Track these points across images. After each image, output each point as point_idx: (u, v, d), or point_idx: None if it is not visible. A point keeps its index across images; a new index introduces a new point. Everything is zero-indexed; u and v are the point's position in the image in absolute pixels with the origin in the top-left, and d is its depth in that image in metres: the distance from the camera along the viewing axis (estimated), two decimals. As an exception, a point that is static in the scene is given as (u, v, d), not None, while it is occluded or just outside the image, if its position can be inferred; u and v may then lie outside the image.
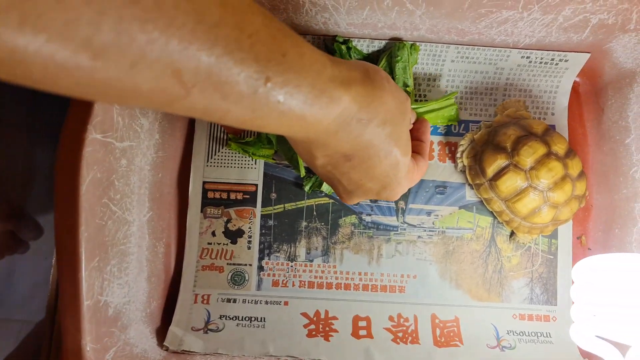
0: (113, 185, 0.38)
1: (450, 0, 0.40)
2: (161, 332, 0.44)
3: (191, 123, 0.49)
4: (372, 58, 0.48)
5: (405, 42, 0.46)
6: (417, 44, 0.46)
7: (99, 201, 0.36)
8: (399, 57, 0.45)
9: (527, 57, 0.47)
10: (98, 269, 0.35)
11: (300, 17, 0.44)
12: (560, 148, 0.43)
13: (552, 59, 0.47)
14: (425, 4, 0.40)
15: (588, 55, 0.46)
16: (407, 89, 0.46)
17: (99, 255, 0.35)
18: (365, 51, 0.48)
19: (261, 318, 0.46)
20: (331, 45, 0.47)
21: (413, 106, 0.45)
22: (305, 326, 0.45)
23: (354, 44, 0.47)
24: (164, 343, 0.42)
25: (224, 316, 0.45)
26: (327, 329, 0.45)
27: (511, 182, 0.42)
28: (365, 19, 0.43)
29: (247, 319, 0.46)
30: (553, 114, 0.49)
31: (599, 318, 0.35)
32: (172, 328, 0.44)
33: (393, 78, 0.46)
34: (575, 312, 0.38)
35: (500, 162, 0.43)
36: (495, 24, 0.42)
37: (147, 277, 0.43)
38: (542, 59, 0.47)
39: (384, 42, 0.47)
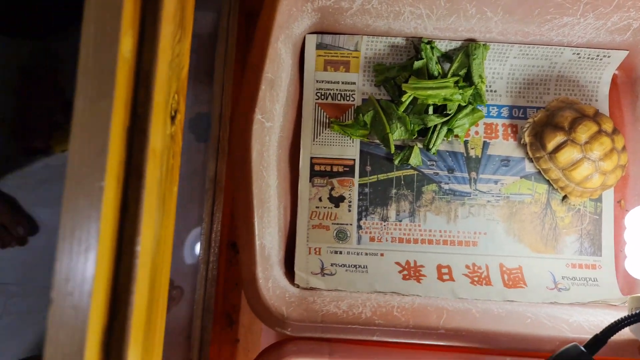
0: (263, 157, 0.48)
1: (523, 9, 0.50)
2: (287, 276, 0.54)
3: (299, 108, 0.59)
4: (449, 55, 0.59)
5: (479, 43, 0.56)
6: (488, 44, 0.57)
7: (259, 167, 0.47)
8: (475, 55, 0.56)
9: (577, 54, 0.58)
10: (261, 218, 0.46)
11: (397, 23, 0.55)
12: (608, 127, 0.53)
13: (597, 55, 0.58)
14: (502, 12, 0.51)
15: (627, 52, 0.57)
16: (483, 80, 0.56)
17: (261, 208, 0.46)
18: (443, 50, 0.59)
19: (364, 266, 0.57)
20: (418, 45, 0.57)
21: (417, 84, 0.55)
22: (399, 272, 0.56)
23: (435, 44, 0.58)
24: (295, 282, 0.53)
25: (334, 264, 0.56)
26: (417, 274, 0.56)
27: (569, 154, 0.53)
28: (450, 24, 0.54)
29: (352, 266, 0.56)
30: (597, 101, 0.60)
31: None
32: (297, 272, 0.55)
33: (470, 72, 0.56)
34: (629, 249, 0.49)
35: (559, 138, 0.54)
36: (556, 27, 0.53)
37: (277, 231, 0.53)
38: (589, 55, 0.58)
39: (459, 42, 0.58)
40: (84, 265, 0.23)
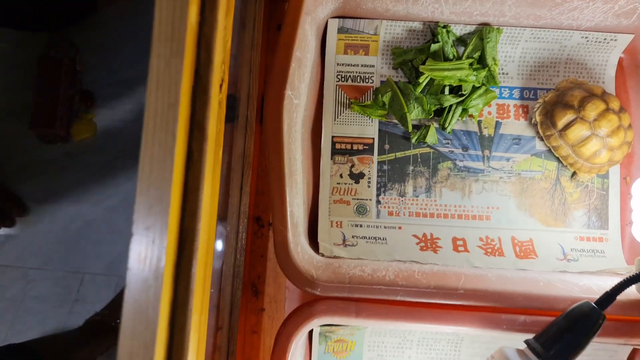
0: (292, 131, 0.52)
1: (535, -7, 0.53)
2: (312, 246, 0.57)
3: (320, 91, 0.63)
4: (464, 39, 0.62)
5: (492, 27, 0.60)
6: (501, 28, 0.60)
7: (288, 141, 0.50)
8: (489, 39, 0.59)
9: (586, 37, 0.61)
10: (290, 186, 0.49)
11: (415, 8, 0.58)
12: (615, 105, 0.56)
13: (605, 39, 0.61)
14: (516, -4, 0.54)
15: (632, 36, 0.60)
16: (496, 62, 0.59)
17: (290, 178, 0.49)
18: (458, 34, 0.62)
19: (383, 238, 0.60)
20: (434, 29, 0.61)
21: (434, 66, 0.58)
22: (417, 244, 0.59)
23: (451, 28, 0.61)
24: (320, 251, 0.56)
25: (355, 236, 0.59)
26: (433, 245, 0.59)
27: (578, 131, 0.56)
28: (466, 9, 0.57)
29: (372, 238, 0.60)
30: (604, 82, 0.63)
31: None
32: (321, 243, 0.58)
33: (484, 55, 0.60)
34: (636, 215, 0.52)
35: (569, 116, 0.57)
36: (567, 10, 0.56)
37: (302, 203, 0.56)
38: (597, 38, 0.61)
39: (474, 26, 0.61)
40: (160, 205, 0.26)
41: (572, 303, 0.44)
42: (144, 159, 0.27)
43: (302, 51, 0.52)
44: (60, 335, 0.94)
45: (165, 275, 0.26)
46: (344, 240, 0.59)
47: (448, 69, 0.58)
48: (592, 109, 0.56)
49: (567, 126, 0.57)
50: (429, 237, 0.60)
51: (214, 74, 0.31)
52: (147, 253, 0.26)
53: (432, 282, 0.47)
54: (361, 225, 0.60)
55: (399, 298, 0.46)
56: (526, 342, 0.43)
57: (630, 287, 0.43)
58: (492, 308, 0.47)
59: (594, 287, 0.48)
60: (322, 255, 0.56)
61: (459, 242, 0.60)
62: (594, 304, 0.43)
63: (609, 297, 0.43)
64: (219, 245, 0.54)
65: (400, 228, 0.60)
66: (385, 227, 0.60)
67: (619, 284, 0.43)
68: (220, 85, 0.37)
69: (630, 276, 0.42)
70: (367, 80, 0.63)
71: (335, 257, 0.56)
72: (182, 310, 0.27)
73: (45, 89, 1.07)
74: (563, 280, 0.49)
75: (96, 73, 1.17)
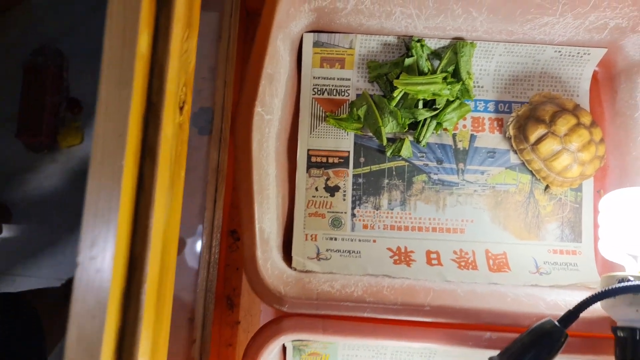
0: (263, 147, 0.52)
1: (506, 9, 0.54)
2: (285, 260, 0.58)
3: (297, 103, 0.63)
4: (438, 53, 0.62)
5: (466, 41, 0.60)
6: (475, 42, 0.60)
7: (258, 157, 0.50)
8: (463, 53, 0.59)
9: (559, 52, 0.61)
10: (260, 203, 0.50)
11: (388, 22, 0.58)
12: (586, 120, 0.57)
13: (578, 53, 0.61)
14: (487, 11, 0.55)
15: (605, 50, 0.60)
16: (470, 76, 0.60)
17: (260, 194, 0.50)
18: (432, 47, 0.62)
19: (357, 251, 0.60)
20: (408, 42, 0.61)
21: (407, 80, 0.58)
22: (390, 257, 0.60)
23: (425, 42, 0.61)
24: (293, 265, 0.56)
25: (329, 249, 0.60)
26: (407, 259, 0.60)
27: (549, 146, 0.57)
28: (439, 24, 0.57)
29: (346, 251, 0.60)
30: (578, 96, 0.63)
31: (617, 236, 0.49)
32: (295, 256, 0.58)
33: (458, 69, 0.60)
34: (601, 232, 0.53)
35: (541, 130, 0.57)
36: (538, 26, 0.56)
37: (276, 217, 0.57)
38: (570, 53, 0.61)
39: (448, 40, 0.61)
40: (106, 234, 0.27)
41: (538, 319, 0.45)
42: (91, 188, 0.27)
43: (274, 67, 0.52)
44: (55, 288, 0.95)
45: (111, 306, 0.26)
46: (318, 253, 0.59)
47: (422, 83, 0.59)
48: (563, 124, 0.56)
49: (539, 140, 0.57)
50: (403, 250, 0.60)
51: (168, 100, 0.31)
52: (93, 283, 0.26)
53: (399, 298, 0.48)
54: (336, 239, 0.61)
55: (365, 315, 0.46)
56: (490, 359, 0.44)
57: (595, 304, 0.44)
58: (458, 325, 0.48)
59: (561, 303, 0.49)
60: (295, 269, 0.56)
61: (433, 256, 0.60)
62: (556, 322, 0.43)
63: (572, 315, 0.43)
64: (192, 259, 0.55)
65: (374, 241, 0.61)
66: (359, 240, 0.61)
67: (581, 302, 0.43)
68: (181, 108, 0.37)
69: (592, 295, 0.43)
70: (343, 94, 0.63)
71: (307, 271, 0.57)
72: (130, 339, 0.27)
73: (31, 97, 1.07)
74: (531, 296, 0.50)
75: (83, 80, 1.17)
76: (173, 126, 0.34)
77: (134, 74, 0.27)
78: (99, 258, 0.26)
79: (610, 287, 0.43)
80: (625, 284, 0.43)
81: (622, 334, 0.44)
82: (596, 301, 0.43)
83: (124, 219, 0.28)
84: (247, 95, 0.48)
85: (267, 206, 0.52)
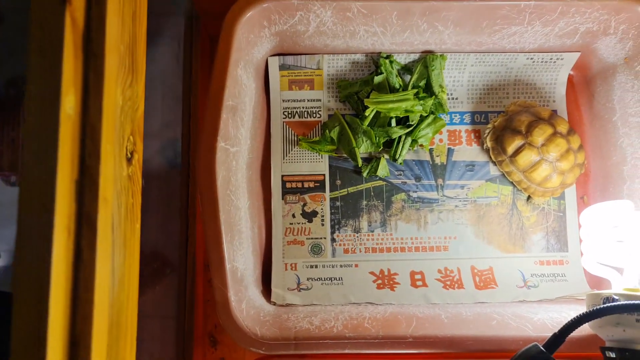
0: (231, 181, 0.50)
1: (471, 22, 0.52)
2: (265, 294, 0.56)
3: (268, 129, 0.61)
4: (409, 67, 0.60)
5: (436, 54, 0.58)
6: (445, 54, 0.59)
7: (225, 192, 0.48)
8: (433, 67, 0.58)
9: (531, 59, 0.60)
10: (230, 242, 0.48)
11: (354, 41, 0.56)
12: (563, 128, 0.55)
13: (551, 58, 0.60)
14: (453, 25, 0.53)
15: (579, 54, 0.59)
16: (443, 89, 0.58)
17: (230, 233, 0.48)
18: (402, 62, 0.60)
19: (339, 278, 0.58)
20: (377, 59, 0.59)
21: (378, 99, 0.56)
22: (374, 281, 0.58)
23: (394, 57, 0.59)
24: (272, 299, 0.55)
25: (310, 278, 0.58)
26: (391, 282, 0.58)
27: (527, 157, 0.55)
28: (405, 39, 0.56)
29: (328, 279, 0.58)
30: (554, 101, 0.62)
31: (601, 250, 0.48)
32: (274, 289, 0.56)
33: (430, 83, 0.58)
34: (584, 247, 0.51)
35: (518, 142, 0.56)
36: (506, 36, 0.55)
37: (252, 251, 0.55)
38: (542, 59, 0.60)
39: (417, 54, 0.59)
40: (37, 323, 0.25)
41: (524, 343, 0.43)
42: (19, 271, 0.25)
43: (236, 98, 0.50)
44: None
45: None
46: (299, 283, 0.58)
47: (393, 101, 0.57)
48: (539, 134, 0.54)
49: (517, 152, 0.56)
50: (386, 273, 0.59)
51: (106, 160, 0.30)
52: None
53: (381, 330, 0.46)
54: (316, 266, 0.59)
55: (347, 351, 0.45)
56: (477, 391, 0.42)
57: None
58: (443, 355, 0.46)
59: (548, 322, 0.47)
60: (274, 304, 0.55)
61: (417, 277, 0.58)
62: (542, 347, 0.42)
63: (557, 339, 0.41)
64: (167, 300, 0.53)
65: (356, 265, 0.59)
66: (341, 266, 0.59)
67: (566, 325, 0.41)
68: (129, 159, 0.35)
69: (576, 317, 0.41)
70: (314, 115, 0.62)
71: (287, 304, 0.55)
72: None
73: (4, 131, 1.05)
74: (518, 317, 0.48)
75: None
76: (119, 182, 0.32)
77: (57, 142, 0.26)
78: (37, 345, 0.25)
79: (595, 308, 0.41)
80: (610, 304, 0.41)
81: (610, 355, 0.43)
82: (581, 324, 0.41)
83: (58, 298, 0.26)
84: (208, 130, 0.46)
85: (240, 242, 0.50)
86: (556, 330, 0.42)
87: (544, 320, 0.48)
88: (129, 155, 0.35)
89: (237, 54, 0.49)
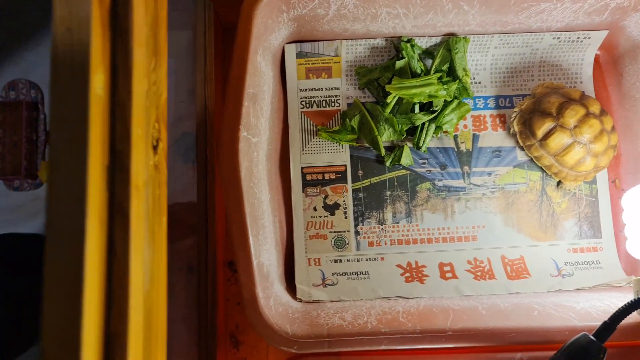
0: (253, 173, 0.48)
1: (498, 0, 0.50)
2: (289, 290, 0.54)
3: (285, 120, 0.59)
4: (430, 51, 0.58)
5: (459, 37, 0.56)
6: (468, 36, 0.57)
7: (249, 185, 0.46)
8: (457, 49, 0.56)
9: (558, 38, 0.57)
10: (256, 236, 0.45)
11: (375, 25, 0.54)
12: (595, 108, 0.53)
13: (578, 38, 0.58)
14: (479, 4, 0.51)
15: (607, 32, 0.57)
16: (467, 73, 0.56)
17: (255, 227, 0.46)
18: (424, 46, 0.58)
19: (365, 272, 0.56)
20: (397, 44, 0.57)
21: (400, 84, 0.54)
22: (401, 275, 0.56)
23: (415, 41, 0.57)
24: (297, 296, 0.52)
25: (335, 273, 0.56)
26: (419, 275, 0.56)
27: (559, 140, 0.53)
28: (428, 21, 0.54)
29: (354, 273, 0.56)
30: (581, 82, 0.60)
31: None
32: (299, 285, 0.54)
33: (453, 66, 0.56)
34: (628, 230, 0.49)
35: (548, 124, 0.53)
36: (534, 14, 0.53)
37: (275, 246, 0.53)
38: (569, 38, 0.57)
39: (439, 37, 0.57)
40: (71, 317, 0.22)
41: (571, 334, 0.41)
42: (50, 262, 0.23)
43: (257, 86, 0.48)
44: None
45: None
46: (324, 279, 0.55)
47: (416, 86, 0.55)
48: (572, 115, 0.52)
49: (547, 135, 0.54)
50: (413, 265, 0.56)
51: (136, 145, 0.27)
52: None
53: (418, 324, 0.44)
54: (341, 260, 0.56)
55: (383, 347, 0.42)
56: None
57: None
58: (485, 348, 0.44)
59: (592, 310, 0.45)
60: (300, 300, 0.52)
61: (446, 268, 0.56)
62: (592, 337, 0.39)
63: (608, 327, 0.39)
64: (188, 300, 0.51)
65: (382, 259, 0.57)
66: (366, 260, 0.57)
67: (617, 313, 0.39)
68: (155, 147, 0.33)
69: (628, 303, 0.39)
70: (333, 104, 0.59)
71: (314, 301, 0.53)
72: None
73: (6, 135, 1.02)
74: (559, 306, 0.46)
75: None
76: (147, 171, 0.30)
77: (88, 125, 0.23)
78: (67, 343, 0.22)
79: (647, 294, 0.39)
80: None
81: (664, 342, 0.41)
82: (632, 311, 0.39)
83: (92, 293, 0.23)
84: (230, 119, 0.44)
85: (264, 237, 0.48)
86: (602, 318, 0.40)
87: (587, 309, 0.45)
88: (155, 143, 0.33)
89: (256, 40, 0.47)
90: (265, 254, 0.48)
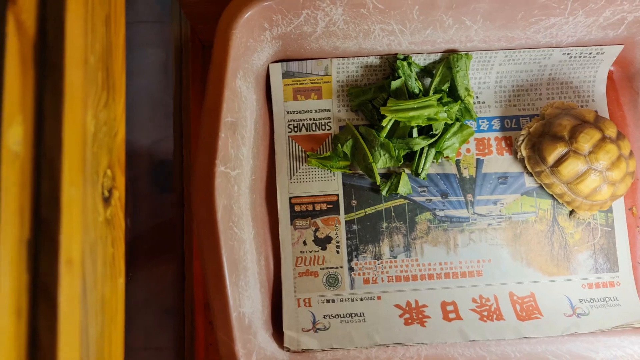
0: (233, 211, 0.43)
1: (504, 14, 0.45)
2: (276, 337, 0.48)
3: (272, 146, 0.54)
4: (429, 69, 0.53)
5: (460, 54, 0.51)
6: (470, 53, 0.52)
7: (227, 225, 0.41)
8: (458, 67, 0.51)
9: (568, 54, 0.53)
10: (235, 284, 0.40)
11: (367, 42, 0.49)
12: (612, 132, 0.48)
13: (590, 53, 0.53)
14: (482, 19, 0.46)
15: (622, 47, 0.52)
16: (470, 92, 0.51)
17: (234, 274, 0.40)
18: (422, 64, 0.53)
19: (360, 313, 0.51)
20: (393, 62, 0.52)
21: (396, 106, 0.49)
22: (400, 316, 0.51)
23: (412, 59, 0.52)
24: (285, 345, 0.47)
25: (327, 315, 0.50)
26: (420, 316, 0.51)
27: (572, 167, 0.48)
28: (426, 37, 0.49)
29: (348, 315, 0.51)
30: (594, 101, 0.55)
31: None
32: (286, 332, 0.49)
33: (455, 86, 0.51)
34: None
35: (560, 149, 0.48)
36: (543, 29, 0.48)
37: (259, 288, 0.47)
38: (581, 54, 0.53)
39: (438, 54, 0.52)
40: None
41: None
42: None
43: (236, 112, 0.43)
44: None
45: None
46: (314, 322, 0.50)
47: (414, 108, 0.50)
48: (586, 140, 0.47)
49: (559, 161, 0.49)
50: (413, 305, 0.51)
51: (74, 205, 0.22)
52: None
53: (419, 383, 0.38)
54: (333, 300, 0.51)
55: (380, 412, 0.37)
56: None
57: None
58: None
59: (616, 364, 0.40)
60: (288, 350, 0.47)
61: (450, 308, 0.51)
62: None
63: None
64: (164, 350, 0.45)
65: (379, 298, 0.52)
66: (361, 299, 0.51)
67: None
68: (108, 198, 0.28)
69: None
70: (323, 128, 0.54)
71: (303, 350, 0.47)
72: None
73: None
74: (576, 357, 0.41)
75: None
76: (94, 231, 0.25)
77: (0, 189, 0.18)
78: None
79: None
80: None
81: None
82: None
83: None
84: (204, 154, 0.39)
85: (245, 282, 0.43)
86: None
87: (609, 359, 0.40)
88: (107, 193, 0.28)
89: (235, 62, 0.42)
90: (246, 301, 0.42)
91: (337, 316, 0.51)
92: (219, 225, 0.38)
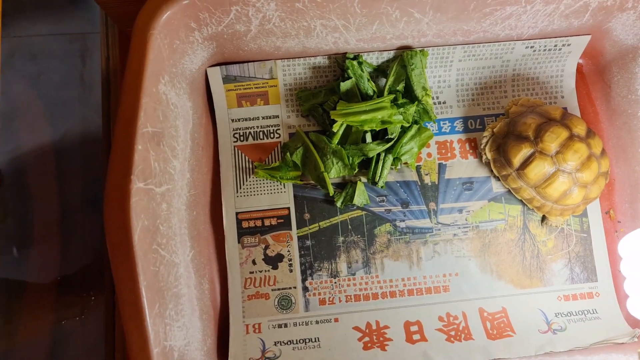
0: (159, 230, 0.38)
1: (456, 5, 0.41)
2: (221, 367, 0.44)
3: (216, 157, 0.49)
4: (383, 68, 0.49)
5: (415, 50, 0.47)
6: (426, 49, 0.48)
7: (150, 248, 0.36)
8: (413, 65, 0.47)
9: (532, 47, 0.49)
10: (160, 315, 0.36)
11: (311, 41, 0.45)
12: (580, 129, 0.44)
13: (555, 45, 0.49)
14: (432, 11, 0.42)
15: (589, 37, 0.48)
16: (427, 92, 0.47)
17: (158, 302, 0.36)
18: (375, 63, 0.49)
19: (315, 338, 0.46)
20: (342, 62, 0.48)
21: (347, 109, 0.45)
22: (359, 339, 0.46)
23: (364, 58, 0.48)
24: (228, 378, 0.42)
25: (278, 342, 0.46)
26: (381, 339, 0.46)
27: (539, 169, 0.44)
28: (375, 33, 0.45)
29: (301, 341, 0.46)
30: (563, 97, 0.51)
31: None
32: (232, 362, 0.44)
33: (411, 85, 0.47)
34: (629, 286, 0.39)
35: (525, 150, 0.44)
36: (500, 20, 0.44)
37: (199, 315, 0.43)
38: (545, 46, 0.49)
39: (392, 52, 0.48)
40: None
41: None
42: None
43: (161, 122, 0.39)
44: None
45: None
46: (264, 350, 0.45)
47: (365, 111, 0.46)
48: (552, 139, 0.43)
49: (525, 163, 0.44)
50: (374, 326, 0.46)
51: None
52: None
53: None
54: (286, 325, 0.46)
55: None
56: None
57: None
58: None
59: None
60: (231, 384, 0.42)
61: (414, 328, 0.46)
62: None
63: None
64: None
65: (336, 320, 0.47)
66: (317, 322, 0.47)
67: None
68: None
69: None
70: (272, 136, 0.50)
71: (248, 384, 0.43)
72: None
73: None
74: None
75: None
76: None
77: None
78: None
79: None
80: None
81: None
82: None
83: None
84: (117, 169, 0.34)
85: (176, 311, 0.38)
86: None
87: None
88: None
89: (156, 65, 0.37)
90: (177, 332, 0.38)
91: (289, 342, 0.46)
92: (135, 249, 0.34)
